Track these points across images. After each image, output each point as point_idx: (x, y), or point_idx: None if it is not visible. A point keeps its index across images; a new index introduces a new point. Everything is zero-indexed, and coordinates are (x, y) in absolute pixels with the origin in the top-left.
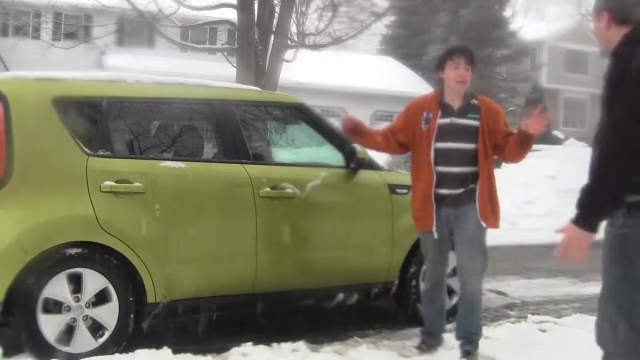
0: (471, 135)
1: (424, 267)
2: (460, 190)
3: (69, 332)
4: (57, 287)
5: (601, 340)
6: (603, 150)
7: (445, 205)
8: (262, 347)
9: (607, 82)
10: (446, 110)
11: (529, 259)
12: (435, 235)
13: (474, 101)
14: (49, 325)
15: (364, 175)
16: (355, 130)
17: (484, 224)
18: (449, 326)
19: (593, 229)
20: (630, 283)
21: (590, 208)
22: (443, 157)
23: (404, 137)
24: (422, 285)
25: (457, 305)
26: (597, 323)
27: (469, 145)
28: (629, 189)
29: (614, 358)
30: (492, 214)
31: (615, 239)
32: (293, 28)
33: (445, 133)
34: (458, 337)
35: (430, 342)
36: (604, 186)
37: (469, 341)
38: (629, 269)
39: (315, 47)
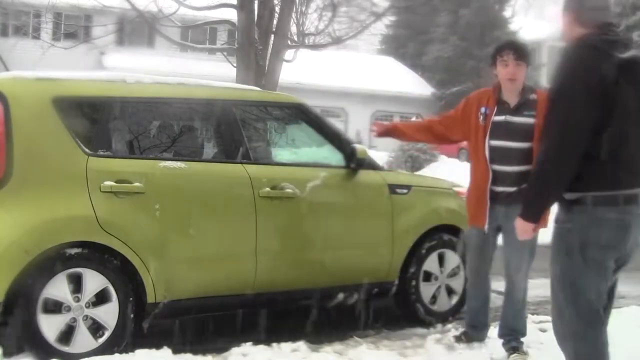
0: (527, 133)
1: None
2: (514, 188)
3: (69, 332)
4: (57, 287)
5: (554, 325)
6: (544, 152)
7: (494, 202)
8: (262, 347)
9: (552, 82)
10: (502, 107)
11: None
12: (486, 232)
13: (533, 96)
14: (49, 325)
15: (364, 175)
16: (389, 133)
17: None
18: (449, 325)
19: (533, 219)
20: (571, 273)
21: (528, 203)
22: (498, 155)
23: (452, 127)
24: (467, 280)
25: (503, 304)
26: (551, 310)
27: (524, 144)
28: (565, 186)
29: (561, 341)
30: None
31: (559, 234)
32: (293, 28)
33: (500, 131)
34: (502, 335)
35: (474, 335)
36: (543, 183)
37: (515, 338)
38: (571, 260)
39: (315, 47)
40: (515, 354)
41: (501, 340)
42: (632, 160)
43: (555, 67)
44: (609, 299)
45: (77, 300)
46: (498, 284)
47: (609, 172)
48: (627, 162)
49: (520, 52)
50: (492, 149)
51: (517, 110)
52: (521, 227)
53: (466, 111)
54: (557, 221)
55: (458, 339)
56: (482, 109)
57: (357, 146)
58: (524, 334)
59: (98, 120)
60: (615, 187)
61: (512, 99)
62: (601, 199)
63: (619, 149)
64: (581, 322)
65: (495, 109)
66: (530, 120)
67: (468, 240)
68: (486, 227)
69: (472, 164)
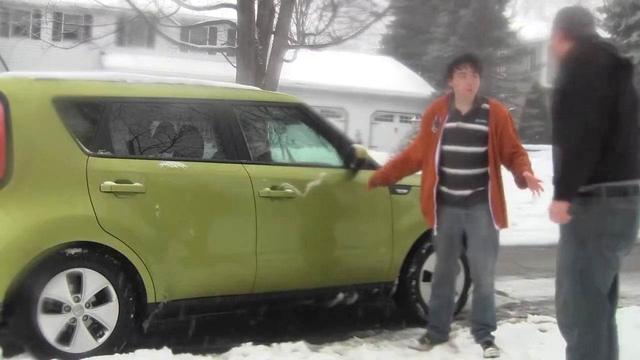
0: (479, 139)
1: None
2: (469, 192)
3: (69, 332)
4: (57, 287)
5: (558, 315)
6: (572, 135)
7: (454, 205)
8: (262, 347)
9: (563, 81)
10: (454, 115)
11: (529, 259)
12: (435, 232)
13: (485, 105)
14: (49, 325)
15: (364, 175)
16: (387, 181)
17: (497, 227)
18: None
19: (570, 197)
20: (582, 262)
21: (565, 182)
22: (450, 159)
23: (417, 142)
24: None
25: (472, 301)
26: (555, 300)
27: (476, 149)
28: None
29: (566, 329)
30: (502, 215)
31: (571, 224)
32: (293, 28)
33: (452, 136)
34: (474, 331)
35: (435, 336)
36: (575, 162)
37: (486, 332)
38: (584, 249)
39: (315, 47)
40: (490, 348)
41: (473, 337)
42: (636, 151)
43: (562, 69)
44: (613, 290)
45: (77, 300)
46: (500, 284)
47: (619, 163)
48: (633, 153)
49: (477, 65)
50: (445, 154)
51: (469, 117)
52: (556, 208)
53: (425, 125)
54: (567, 212)
55: (422, 341)
56: (435, 118)
57: (357, 146)
58: (494, 328)
59: (98, 120)
60: (626, 178)
61: (464, 107)
62: (614, 189)
63: (627, 141)
64: (588, 310)
65: (447, 116)
66: (482, 127)
67: (436, 241)
68: (435, 226)
69: (423, 169)
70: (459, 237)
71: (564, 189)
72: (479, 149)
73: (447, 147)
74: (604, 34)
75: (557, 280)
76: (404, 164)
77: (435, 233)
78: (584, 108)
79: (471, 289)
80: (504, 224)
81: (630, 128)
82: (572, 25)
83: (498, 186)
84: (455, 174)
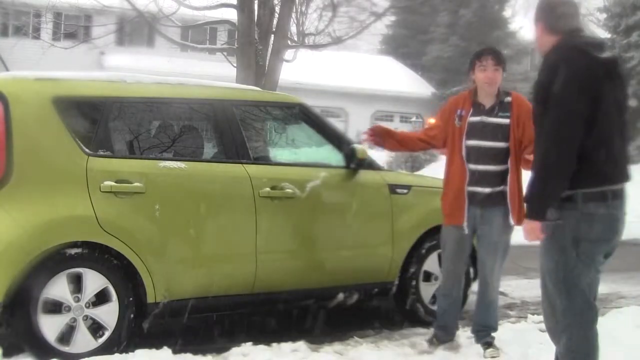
0: (502, 133)
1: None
2: (489, 190)
3: (69, 332)
4: (57, 287)
5: (545, 320)
6: (544, 151)
7: (472, 204)
8: (262, 347)
9: (539, 86)
10: (477, 109)
11: (529, 259)
12: (466, 231)
13: (507, 99)
14: (49, 325)
15: (364, 175)
16: (384, 137)
17: (512, 222)
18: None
19: (540, 217)
20: (565, 267)
21: (536, 201)
22: (474, 154)
23: (435, 136)
24: (439, 280)
25: (476, 302)
26: (542, 304)
27: (499, 144)
28: (567, 181)
29: (555, 333)
30: (520, 212)
31: (550, 230)
32: (293, 28)
33: (476, 131)
34: (475, 331)
35: (442, 336)
36: (546, 181)
37: (488, 333)
38: (565, 255)
39: (315, 47)
40: (490, 349)
41: (473, 336)
42: (617, 155)
43: (541, 71)
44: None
45: (77, 300)
46: (500, 284)
47: (597, 168)
48: (612, 158)
49: (498, 58)
50: (469, 149)
51: (492, 111)
52: (529, 227)
53: (444, 117)
54: (547, 218)
55: (430, 342)
56: (458, 111)
57: (357, 146)
58: (495, 330)
59: (98, 120)
60: (604, 183)
61: (487, 101)
62: (591, 195)
63: (605, 146)
64: (575, 314)
65: (471, 110)
66: (506, 120)
67: (445, 240)
68: (465, 224)
69: (448, 165)
70: (470, 238)
71: (535, 208)
72: (501, 144)
73: (471, 142)
74: (604, 34)
75: (542, 284)
76: (409, 139)
77: (466, 231)
78: (557, 126)
79: (471, 289)
80: (520, 221)
81: (612, 131)
82: (551, 19)
83: (518, 182)
84: (477, 170)
